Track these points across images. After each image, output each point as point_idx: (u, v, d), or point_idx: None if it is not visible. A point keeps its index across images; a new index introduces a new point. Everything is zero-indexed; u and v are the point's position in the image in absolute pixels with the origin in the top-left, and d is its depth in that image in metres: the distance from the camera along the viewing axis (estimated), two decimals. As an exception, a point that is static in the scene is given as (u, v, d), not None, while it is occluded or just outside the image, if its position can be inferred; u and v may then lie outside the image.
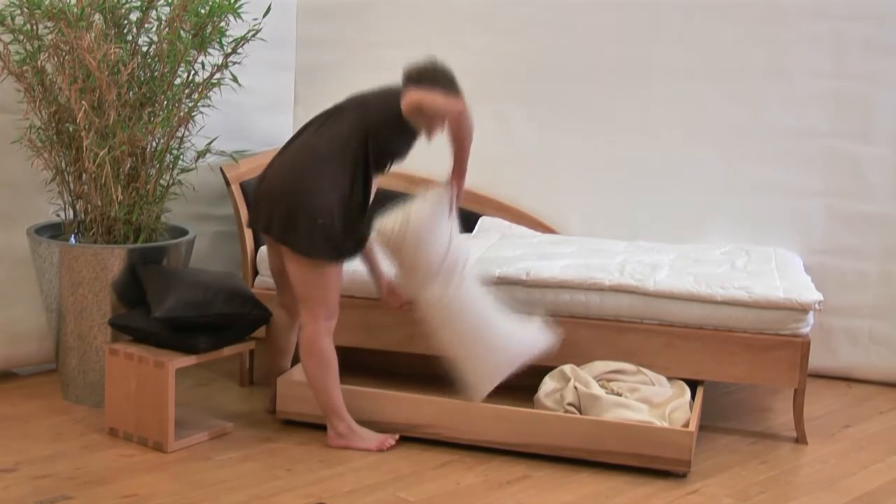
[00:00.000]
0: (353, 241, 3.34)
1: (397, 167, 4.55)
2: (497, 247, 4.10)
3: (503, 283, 3.73)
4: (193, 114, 3.74)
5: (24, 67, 3.54)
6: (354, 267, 3.86)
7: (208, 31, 3.63)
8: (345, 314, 3.66)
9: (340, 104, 3.40)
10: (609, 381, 3.53)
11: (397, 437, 3.42)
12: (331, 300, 3.35)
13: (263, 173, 3.40)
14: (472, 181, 4.60)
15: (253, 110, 4.50)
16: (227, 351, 3.46)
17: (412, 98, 3.24)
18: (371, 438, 3.39)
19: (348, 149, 3.28)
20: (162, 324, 3.34)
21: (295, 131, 3.46)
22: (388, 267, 3.52)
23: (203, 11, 3.60)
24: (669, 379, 3.62)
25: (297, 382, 3.51)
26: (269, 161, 3.43)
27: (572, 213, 4.59)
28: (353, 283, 3.82)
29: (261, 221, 3.35)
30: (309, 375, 3.37)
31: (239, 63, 3.77)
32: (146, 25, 3.70)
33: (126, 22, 3.68)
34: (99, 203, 3.64)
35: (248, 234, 3.94)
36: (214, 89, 3.78)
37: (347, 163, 3.28)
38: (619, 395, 3.43)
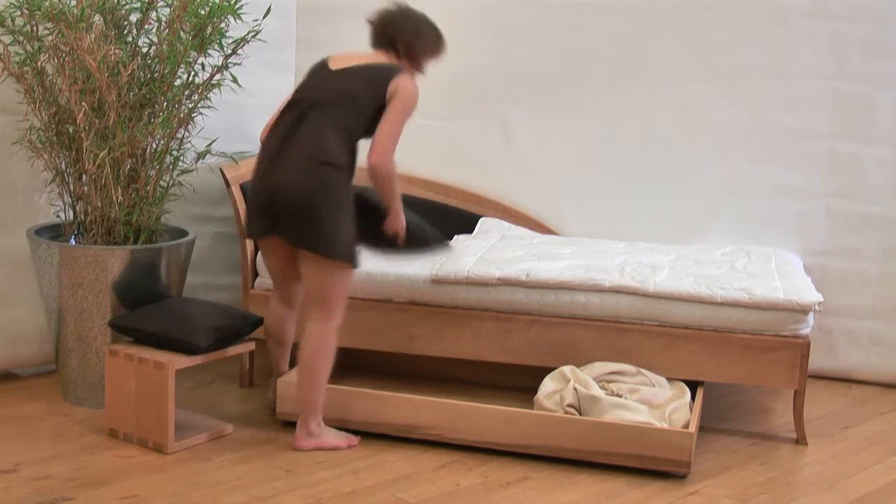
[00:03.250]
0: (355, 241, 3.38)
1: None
2: (497, 248, 4.10)
3: (503, 284, 3.74)
4: (193, 115, 3.74)
5: (25, 68, 3.55)
6: (354, 268, 3.87)
7: (208, 32, 3.63)
8: (345, 315, 3.66)
9: (322, 97, 3.32)
10: (609, 382, 3.53)
11: (359, 438, 3.44)
12: (345, 300, 3.40)
13: (267, 178, 3.30)
14: (472, 182, 4.65)
15: (253, 111, 4.49)
16: (228, 352, 3.46)
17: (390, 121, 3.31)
18: (339, 436, 3.41)
19: (349, 147, 3.32)
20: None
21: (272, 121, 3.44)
22: None
23: (203, 12, 3.60)
24: (669, 380, 3.62)
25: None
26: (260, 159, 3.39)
27: (572, 214, 4.59)
28: (354, 283, 3.82)
29: (283, 229, 3.29)
30: (312, 372, 3.34)
31: (239, 64, 3.77)
32: (146, 27, 3.71)
33: (126, 23, 3.68)
34: (99, 204, 3.64)
35: (248, 235, 3.95)
36: (214, 90, 3.78)
37: (352, 163, 3.34)
38: (619, 396, 3.43)
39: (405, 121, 3.33)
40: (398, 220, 3.47)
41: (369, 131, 3.35)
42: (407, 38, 3.42)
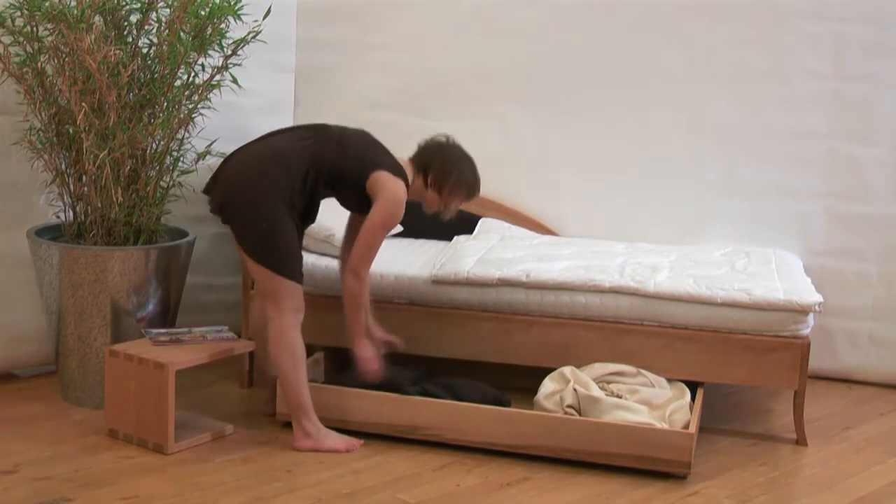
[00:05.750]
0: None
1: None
2: (497, 248, 4.10)
3: (503, 285, 3.74)
4: (193, 115, 3.74)
5: (25, 69, 3.55)
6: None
7: (208, 32, 3.64)
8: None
9: (327, 130, 3.41)
10: (609, 382, 3.53)
11: (362, 441, 3.43)
12: (295, 294, 3.32)
13: (232, 156, 3.43)
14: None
15: (253, 112, 4.50)
16: (228, 352, 3.46)
17: (375, 216, 3.31)
18: (338, 440, 3.39)
19: (308, 172, 3.31)
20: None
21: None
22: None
23: (203, 13, 3.60)
24: (669, 381, 3.62)
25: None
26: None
27: (572, 215, 4.58)
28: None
29: (214, 203, 3.41)
30: (280, 370, 3.34)
31: (239, 65, 3.77)
32: (146, 27, 3.71)
33: (126, 24, 3.68)
34: (99, 205, 3.64)
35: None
36: (214, 91, 3.78)
37: (303, 184, 3.32)
38: (619, 396, 3.43)
39: (385, 235, 3.36)
40: (360, 358, 3.45)
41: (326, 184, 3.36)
42: (441, 175, 3.46)
